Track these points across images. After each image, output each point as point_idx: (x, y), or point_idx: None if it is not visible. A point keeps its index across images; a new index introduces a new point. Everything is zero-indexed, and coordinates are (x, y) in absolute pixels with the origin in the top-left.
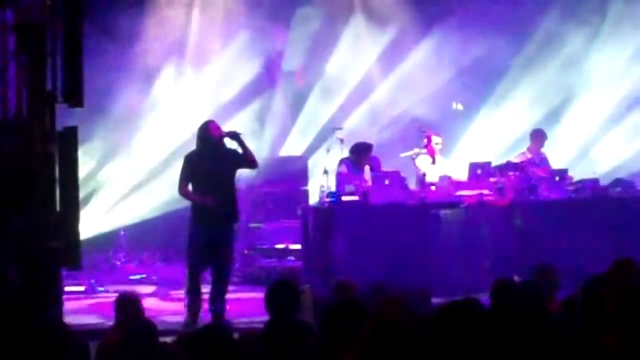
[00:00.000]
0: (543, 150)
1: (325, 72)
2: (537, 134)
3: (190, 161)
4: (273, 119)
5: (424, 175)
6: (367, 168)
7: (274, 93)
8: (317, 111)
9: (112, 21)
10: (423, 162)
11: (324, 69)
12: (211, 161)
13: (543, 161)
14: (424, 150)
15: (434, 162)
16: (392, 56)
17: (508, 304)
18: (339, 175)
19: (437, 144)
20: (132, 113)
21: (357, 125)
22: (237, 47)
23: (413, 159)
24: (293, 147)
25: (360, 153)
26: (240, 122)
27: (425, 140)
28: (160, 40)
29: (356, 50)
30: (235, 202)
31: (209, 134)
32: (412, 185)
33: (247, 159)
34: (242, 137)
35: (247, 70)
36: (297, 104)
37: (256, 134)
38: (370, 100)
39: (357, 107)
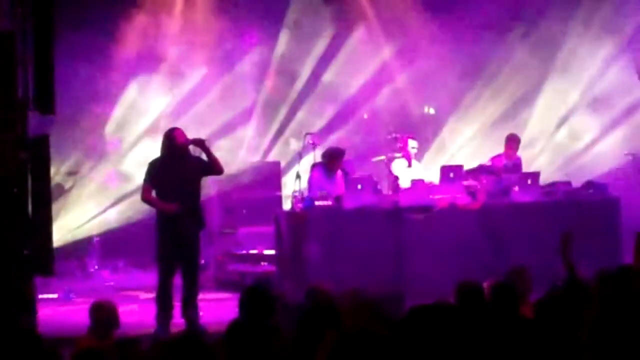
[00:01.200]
0: (518, 154)
1: (300, 77)
2: (512, 139)
3: (154, 167)
4: (247, 124)
5: (397, 179)
6: (339, 173)
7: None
8: (290, 116)
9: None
10: (398, 166)
11: (299, 74)
12: (175, 168)
13: (517, 166)
14: (399, 154)
15: (410, 165)
16: (362, 60)
17: (473, 306)
18: (312, 180)
19: (413, 147)
20: (105, 120)
21: (329, 130)
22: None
23: (387, 163)
24: (267, 152)
25: (333, 158)
26: (214, 129)
27: (401, 144)
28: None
29: (329, 56)
30: (200, 209)
31: (173, 141)
32: (385, 189)
33: (212, 166)
34: (207, 144)
35: (220, 77)
36: (271, 109)
37: (230, 140)
38: (341, 104)
39: (330, 111)
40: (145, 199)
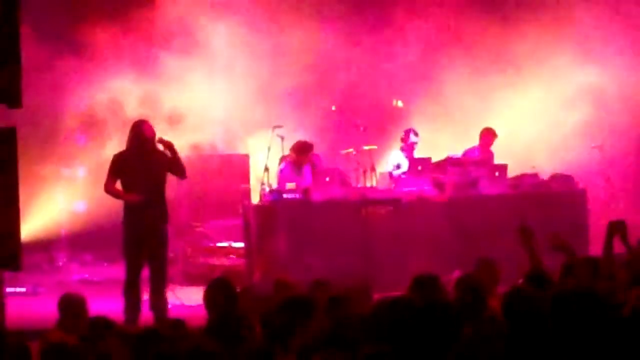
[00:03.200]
0: (491, 148)
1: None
2: (487, 133)
3: (120, 160)
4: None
5: (399, 166)
6: (307, 167)
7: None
8: (257, 108)
9: None
10: (397, 157)
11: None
12: (141, 160)
13: (489, 159)
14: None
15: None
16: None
17: (430, 299)
18: (280, 173)
19: (414, 140)
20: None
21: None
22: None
23: (356, 155)
24: (235, 144)
25: (301, 152)
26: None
27: (403, 137)
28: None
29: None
30: (164, 203)
31: (141, 133)
32: (354, 182)
33: (177, 169)
34: (173, 147)
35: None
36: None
37: (199, 132)
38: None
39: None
40: (108, 190)
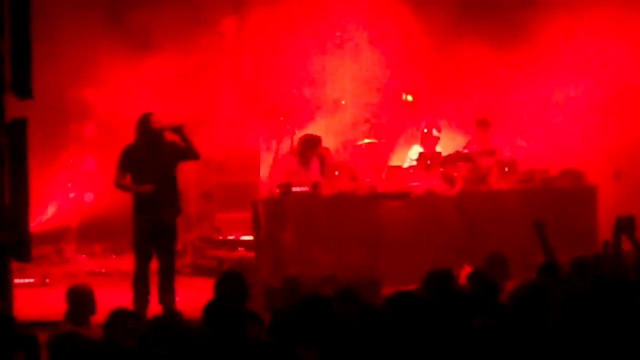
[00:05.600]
0: (491, 139)
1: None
2: (482, 123)
3: (129, 154)
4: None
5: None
6: (314, 161)
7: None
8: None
9: None
10: (416, 153)
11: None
12: (151, 154)
13: (492, 151)
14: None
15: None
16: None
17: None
18: (288, 167)
19: (436, 134)
20: (84, 104)
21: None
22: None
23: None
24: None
25: (309, 146)
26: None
27: (426, 129)
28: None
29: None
30: (176, 195)
31: (149, 127)
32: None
33: (189, 152)
34: (183, 129)
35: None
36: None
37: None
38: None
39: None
40: (118, 183)
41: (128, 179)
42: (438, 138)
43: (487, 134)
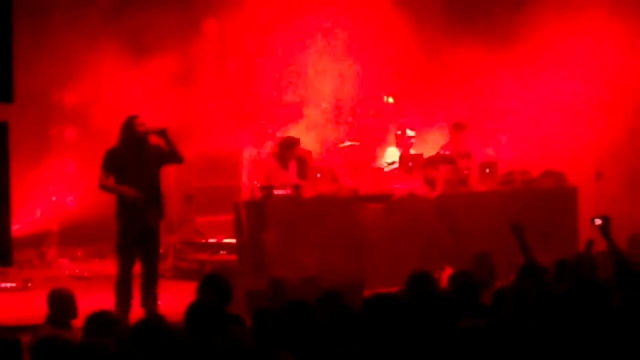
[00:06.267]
0: (467, 142)
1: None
2: (457, 127)
3: (113, 156)
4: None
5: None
6: (292, 163)
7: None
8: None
9: None
10: (393, 154)
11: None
12: (135, 157)
13: (466, 154)
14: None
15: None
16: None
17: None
18: (267, 169)
19: (410, 136)
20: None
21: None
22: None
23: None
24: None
25: (287, 147)
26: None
27: (399, 132)
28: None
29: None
30: (160, 199)
31: (133, 130)
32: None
33: (172, 156)
34: (167, 132)
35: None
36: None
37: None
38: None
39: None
40: (103, 184)
41: (111, 180)
42: (412, 138)
43: (463, 137)
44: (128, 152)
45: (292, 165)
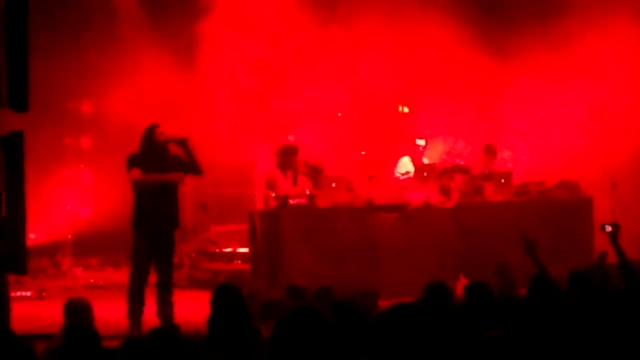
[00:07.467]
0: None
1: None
2: (490, 150)
3: (134, 159)
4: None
5: (408, 173)
6: (290, 171)
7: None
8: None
9: None
10: (407, 164)
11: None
12: (153, 166)
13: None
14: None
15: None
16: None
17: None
18: (268, 178)
19: (420, 145)
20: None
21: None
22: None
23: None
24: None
25: (285, 156)
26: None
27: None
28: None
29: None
30: (176, 208)
31: (154, 139)
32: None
33: (192, 167)
34: (188, 142)
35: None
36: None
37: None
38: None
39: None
40: (137, 178)
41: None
42: (424, 147)
43: (493, 161)
44: (147, 160)
45: (291, 172)
